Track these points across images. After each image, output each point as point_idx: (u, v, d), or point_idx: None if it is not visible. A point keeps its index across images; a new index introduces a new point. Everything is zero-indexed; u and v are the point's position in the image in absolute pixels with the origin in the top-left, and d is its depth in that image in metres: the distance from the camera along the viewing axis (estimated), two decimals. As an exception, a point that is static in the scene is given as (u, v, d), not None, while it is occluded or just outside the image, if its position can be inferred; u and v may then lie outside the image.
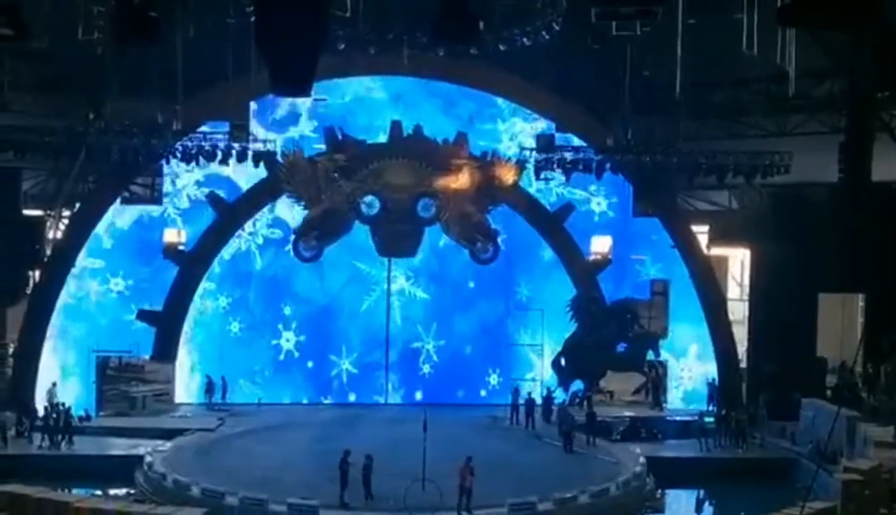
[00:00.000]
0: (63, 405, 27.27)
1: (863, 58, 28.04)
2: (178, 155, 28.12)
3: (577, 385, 31.95)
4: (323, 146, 31.08)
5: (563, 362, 32.07)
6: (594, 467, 25.07)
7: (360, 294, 32.34)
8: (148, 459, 24.32)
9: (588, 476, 23.78)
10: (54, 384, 28.62)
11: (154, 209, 31.40)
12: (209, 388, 31.12)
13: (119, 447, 26.91)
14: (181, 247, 31.20)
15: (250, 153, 28.37)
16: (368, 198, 30.30)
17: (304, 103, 30.53)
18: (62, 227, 31.17)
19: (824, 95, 30.01)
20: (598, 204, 32.78)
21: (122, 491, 23.92)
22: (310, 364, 32.44)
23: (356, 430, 27.71)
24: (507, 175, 30.84)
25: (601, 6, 9.49)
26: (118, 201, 30.91)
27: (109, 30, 9.77)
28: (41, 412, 27.41)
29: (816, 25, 11.77)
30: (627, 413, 30.55)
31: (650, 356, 32.11)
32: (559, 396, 30.99)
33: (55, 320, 30.06)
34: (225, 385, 31.19)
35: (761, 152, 28.96)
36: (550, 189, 32.13)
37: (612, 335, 31.95)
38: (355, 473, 21.53)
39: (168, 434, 27.39)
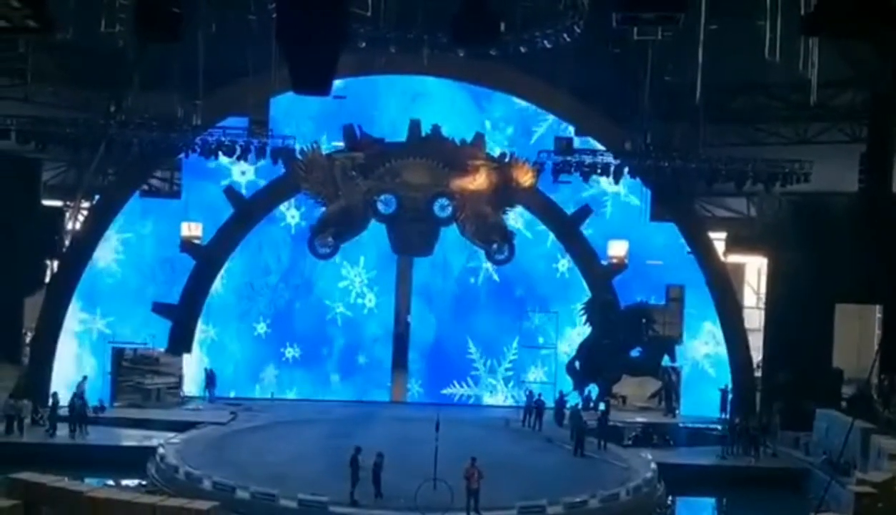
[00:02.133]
0: (82, 395, 27.49)
1: (885, 67, 27.90)
2: (198, 150, 28.27)
3: (591, 389, 31.86)
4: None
5: (577, 365, 31.99)
6: (605, 471, 25.00)
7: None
8: (160, 451, 24.46)
9: (598, 481, 23.71)
10: (85, 378, 28.74)
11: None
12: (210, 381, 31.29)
13: (132, 438, 27.08)
14: (197, 241, 31.33)
15: (269, 149, 28.51)
16: (385, 196, 30.32)
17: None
18: (81, 218, 31.41)
19: (846, 103, 29.86)
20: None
21: (134, 482, 24.07)
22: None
23: (368, 427, 27.75)
24: (525, 177, 30.78)
25: (623, 12, 9.46)
26: (137, 193, 31.06)
27: (132, 25, 9.82)
28: (65, 403, 27.44)
29: (840, 35, 11.69)
30: (640, 419, 30.46)
31: (666, 361, 31.95)
32: (572, 399, 30.93)
33: (72, 309, 30.25)
34: (213, 378, 31.27)
35: (781, 160, 28.80)
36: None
37: (626, 339, 31.81)
38: (366, 470, 21.57)
39: (181, 427, 27.54)
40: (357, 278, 32.46)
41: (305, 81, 8.31)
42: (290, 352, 32.20)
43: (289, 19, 8.05)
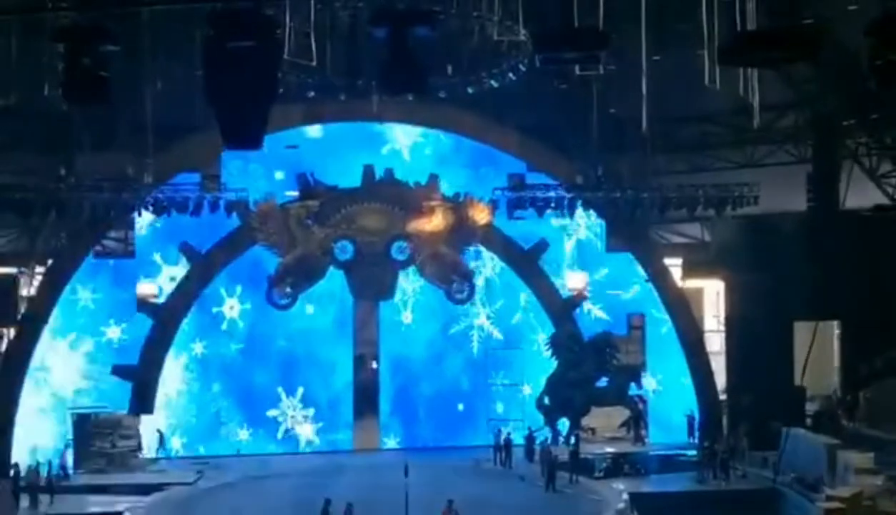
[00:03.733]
0: (48, 464, 26.96)
1: (826, 87, 28.57)
2: (150, 208, 28.08)
3: (562, 423, 31.81)
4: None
5: (546, 400, 31.96)
6: (578, 505, 24.97)
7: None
8: (126, 515, 24.02)
9: (571, 515, 23.67)
10: (67, 446, 28.05)
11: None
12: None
13: (98, 504, 26.47)
14: (155, 299, 31.00)
15: (222, 203, 28.40)
16: (342, 243, 30.35)
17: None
18: (36, 284, 30.97)
19: (790, 125, 30.45)
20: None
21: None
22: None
23: (337, 478, 27.44)
24: (481, 216, 30.99)
25: (544, 53, 9.72)
26: (91, 255, 30.72)
27: (61, 89, 9.82)
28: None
29: (756, 64, 12.01)
30: (609, 449, 30.44)
31: (633, 389, 32.02)
32: (541, 435, 30.84)
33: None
34: (162, 439, 30.77)
35: (730, 184, 29.23)
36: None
37: (592, 370, 31.88)
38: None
39: (147, 490, 27.03)
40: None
41: (236, 137, 8.37)
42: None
43: (216, 78, 8.12)
